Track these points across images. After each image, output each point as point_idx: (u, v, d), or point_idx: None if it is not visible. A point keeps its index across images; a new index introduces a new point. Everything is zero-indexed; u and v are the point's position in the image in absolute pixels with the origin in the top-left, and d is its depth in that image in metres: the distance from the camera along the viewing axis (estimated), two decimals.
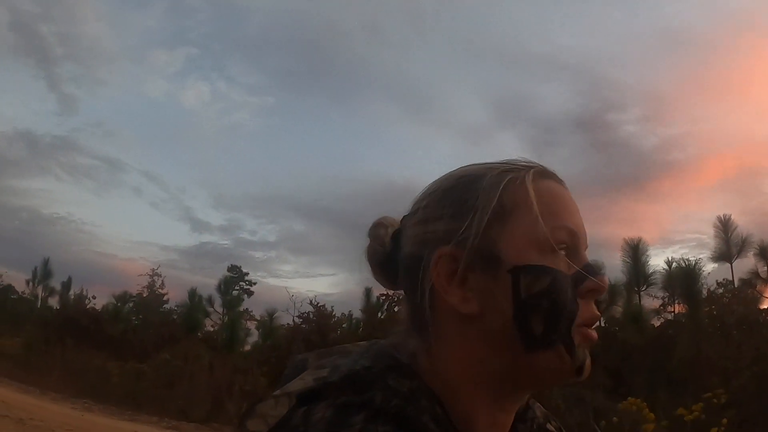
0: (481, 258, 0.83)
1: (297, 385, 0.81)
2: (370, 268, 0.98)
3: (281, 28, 49.71)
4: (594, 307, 0.84)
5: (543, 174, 0.89)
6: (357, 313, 23.48)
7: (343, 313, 23.50)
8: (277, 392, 0.81)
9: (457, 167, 0.93)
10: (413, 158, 46.42)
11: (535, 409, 1.00)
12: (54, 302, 27.94)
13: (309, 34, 52.12)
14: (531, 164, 0.90)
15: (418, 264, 0.86)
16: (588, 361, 0.83)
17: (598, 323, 0.86)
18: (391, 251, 0.94)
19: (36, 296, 28.17)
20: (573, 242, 0.85)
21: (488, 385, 0.83)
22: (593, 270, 0.84)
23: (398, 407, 0.75)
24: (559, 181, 0.91)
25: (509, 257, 0.82)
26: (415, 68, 51.58)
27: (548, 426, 1.00)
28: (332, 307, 22.30)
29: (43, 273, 27.93)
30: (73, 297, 27.50)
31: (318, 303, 21.67)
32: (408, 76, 51.70)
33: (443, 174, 0.93)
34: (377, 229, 0.97)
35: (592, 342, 0.83)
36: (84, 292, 27.61)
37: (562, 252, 0.83)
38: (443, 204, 0.87)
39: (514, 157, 0.92)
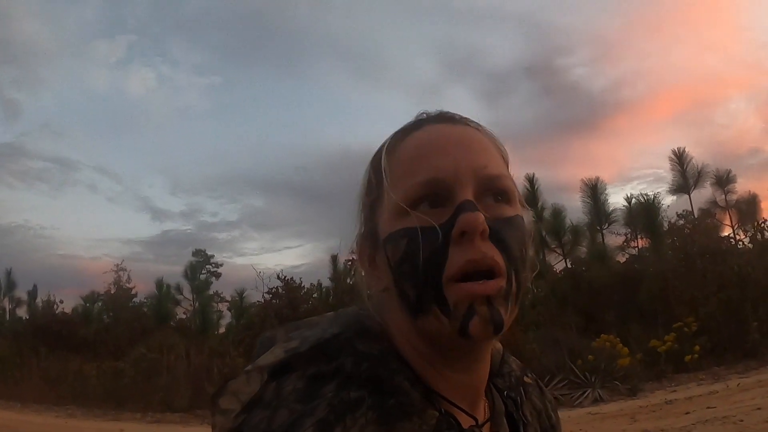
0: (372, 239, 0.87)
1: (267, 358, 0.80)
2: None
3: (220, 2, 48.73)
4: (472, 249, 0.76)
5: (411, 129, 0.89)
6: (326, 282, 23.56)
7: (312, 284, 23.50)
8: (248, 367, 0.79)
9: None
10: (368, 122, 46.02)
11: (510, 362, 1.02)
12: (22, 312, 27.41)
13: (250, 5, 51.23)
14: (413, 120, 0.92)
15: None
16: (476, 320, 0.75)
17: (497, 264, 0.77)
18: None
19: (3, 309, 27.59)
20: (438, 189, 0.80)
21: (420, 349, 0.82)
22: (458, 211, 0.77)
23: (370, 370, 0.76)
24: (439, 121, 0.89)
25: (382, 231, 0.85)
26: (362, 30, 51.16)
27: (525, 379, 1.03)
28: (300, 278, 22.29)
29: (7, 284, 27.30)
30: (40, 304, 26.99)
31: (286, 276, 21.62)
32: (355, 39, 51.31)
33: None
34: None
35: (475, 296, 0.75)
36: (51, 298, 27.12)
37: (426, 205, 0.80)
38: (358, 197, 0.93)
39: (418, 112, 0.93)
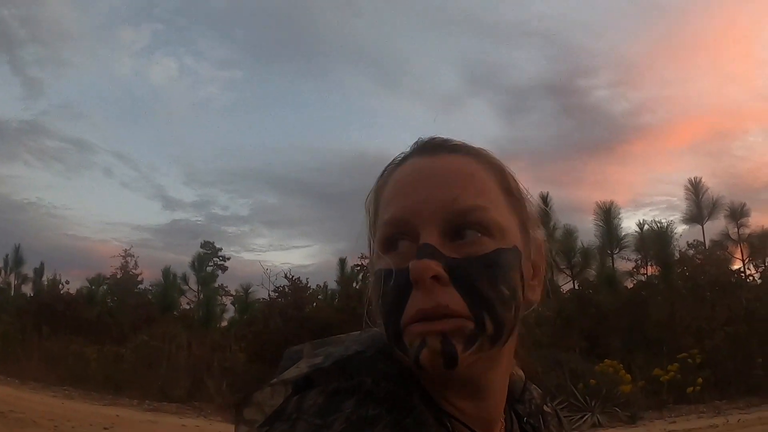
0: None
1: (292, 372, 0.81)
2: None
3: None
4: (425, 297, 0.75)
5: (398, 163, 0.89)
6: (332, 284, 23.66)
7: (318, 285, 23.62)
8: (274, 380, 0.81)
9: None
10: (385, 128, 46.28)
11: (532, 390, 1.02)
12: (27, 290, 27.62)
13: (277, 4, 51.50)
14: (403, 152, 0.90)
15: None
16: (426, 351, 0.74)
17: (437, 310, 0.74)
18: None
19: (8, 285, 27.74)
20: (403, 229, 0.80)
21: (426, 376, 0.82)
22: (417, 256, 0.76)
23: (388, 390, 0.76)
24: (421, 153, 0.87)
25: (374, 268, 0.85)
26: (387, 37, 51.34)
27: (545, 408, 1.03)
28: (307, 279, 22.35)
29: (14, 260, 27.46)
30: (46, 283, 27.19)
31: (293, 276, 21.67)
32: (379, 45, 51.50)
33: None
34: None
35: (427, 333, 0.75)
36: (57, 277, 27.34)
37: (405, 244, 0.80)
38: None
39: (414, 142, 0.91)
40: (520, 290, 0.82)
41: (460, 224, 0.79)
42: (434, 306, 0.75)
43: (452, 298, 0.75)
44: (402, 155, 0.90)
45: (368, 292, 0.90)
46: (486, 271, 0.77)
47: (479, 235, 0.79)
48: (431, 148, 0.87)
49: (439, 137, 0.89)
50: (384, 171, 0.90)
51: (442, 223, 0.79)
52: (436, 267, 0.75)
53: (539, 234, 0.90)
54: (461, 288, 0.76)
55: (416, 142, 0.90)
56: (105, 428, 12.03)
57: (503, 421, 0.92)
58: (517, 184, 0.89)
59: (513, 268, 0.80)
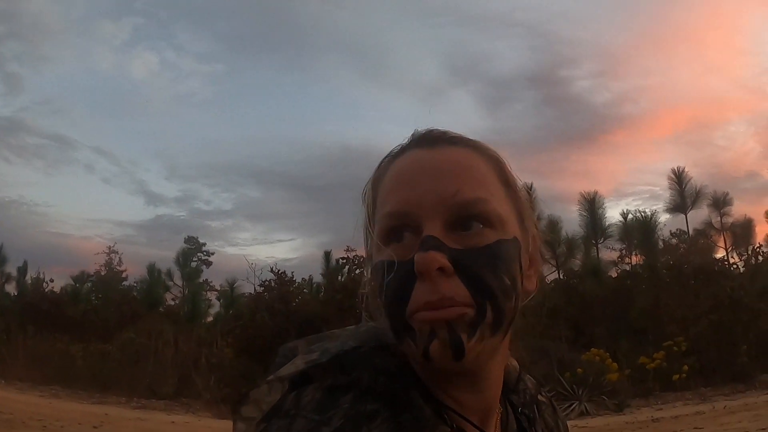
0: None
1: (288, 369, 0.81)
2: None
3: None
4: (430, 289, 0.76)
5: (395, 155, 0.89)
6: (317, 278, 23.63)
7: (303, 278, 23.54)
8: (270, 377, 0.81)
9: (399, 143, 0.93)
10: (369, 119, 46.22)
11: (526, 381, 1.03)
12: (11, 288, 27.33)
13: None
14: (401, 144, 0.90)
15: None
16: (435, 343, 0.76)
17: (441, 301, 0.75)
18: None
19: None
20: (406, 222, 0.81)
21: (423, 367, 0.82)
22: (421, 248, 0.77)
23: (386, 385, 0.77)
24: (420, 145, 0.87)
25: (373, 260, 0.86)
26: (369, 28, 51.06)
27: (539, 397, 1.05)
28: (292, 272, 22.29)
29: None
30: (30, 281, 26.96)
31: (278, 270, 21.61)
32: (362, 36, 51.25)
33: None
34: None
35: (432, 323, 0.76)
36: (41, 276, 27.10)
37: (407, 236, 0.80)
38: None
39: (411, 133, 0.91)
40: (520, 280, 0.83)
41: (463, 216, 0.80)
42: (440, 298, 0.75)
43: (457, 290, 0.76)
44: (399, 147, 0.90)
45: (366, 284, 0.91)
46: (489, 262, 0.78)
47: (481, 226, 0.80)
48: (430, 140, 0.87)
49: (437, 129, 0.90)
50: (381, 162, 0.91)
51: (444, 215, 0.79)
52: (441, 259, 0.76)
53: (534, 225, 0.91)
54: (465, 279, 0.77)
55: (413, 134, 0.90)
56: (94, 427, 11.96)
57: (499, 412, 0.93)
58: (513, 176, 0.89)
59: (513, 259, 0.82)
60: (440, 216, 0.79)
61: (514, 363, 1.02)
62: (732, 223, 20.35)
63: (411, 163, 0.85)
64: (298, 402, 0.75)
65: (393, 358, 0.82)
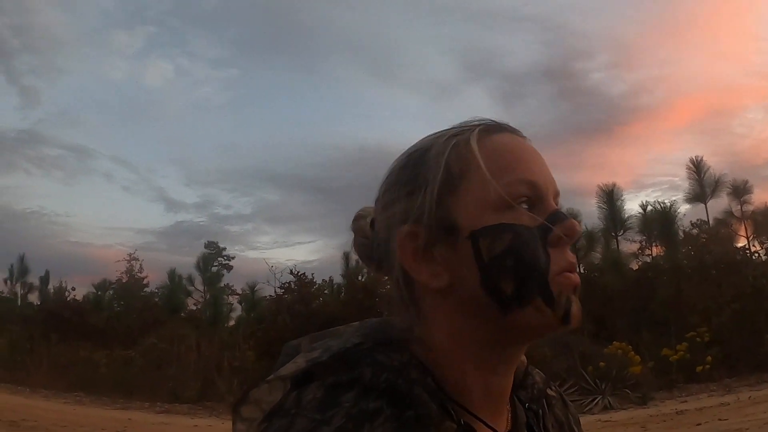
0: (440, 230, 0.83)
1: (290, 368, 0.80)
2: (361, 261, 0.98)
3: None
4: (569, 253, 0.83)
5: (491, 130, 0.88)
6: (338, 278, 23.63)
7: (324, 280, 23.60)
8: (271, 377, 0.80)
9: (415, 141, 0.92)
10: (383, 119, 46.31)
11: (534, 375, 1.01)
12: (34, 298, 27.68)
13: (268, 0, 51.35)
14: (480, 122, 0.89)
15: (388, 248, 0.87)
16: (575, 307, 0.80)
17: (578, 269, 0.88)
18: (373, 240, 0.93)
19: (15, 294, 27.78)
20: (535, 193, 0.83)
21: (476, 352, 0.82)
22: (560, 217, 0.82)
23: (388, 381, 0.76)
24: (514, 132, 0.89)
25: (466, 223, 0.81)
26: (379, 27, 51.02)
27: (548, 391, 1.02)
28: (312, 274, 22.35)
29: (20, 270, 27.50)
30: (52, 291, 27.28)
31: (298, 272, 21.66)
32: (372, 36, 51.38)
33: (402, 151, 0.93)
34: (357, 222, 0.97)
35: (574, 286, 0.81)
36: (63, 285, 27.42)
37: (524, 205, 0.82)
38: (399, 184, 0.88)
39: (473, 117, 0.91)
40: None
41: (557, 202, 0.87)
42: (574, 264, 0.83)
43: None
44: (489, 124, 0.89)
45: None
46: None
47: None
48: (514, 129, 0.91)
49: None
50: (457, 133, 0.88)
51: (555, 197, 0.86)
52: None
53: None
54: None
55: (484, 120, 0.90)
56: None
57: (509, 409, 0.92)
58: None
59: None
60: (552, 198, 0.85)
61: (522, 357, 0.98)
62: (753, 211, 20.11)
63: (521, 143, 0.88)
64: (299, 401, 0.74)
65: (397, 354, 0.81)
